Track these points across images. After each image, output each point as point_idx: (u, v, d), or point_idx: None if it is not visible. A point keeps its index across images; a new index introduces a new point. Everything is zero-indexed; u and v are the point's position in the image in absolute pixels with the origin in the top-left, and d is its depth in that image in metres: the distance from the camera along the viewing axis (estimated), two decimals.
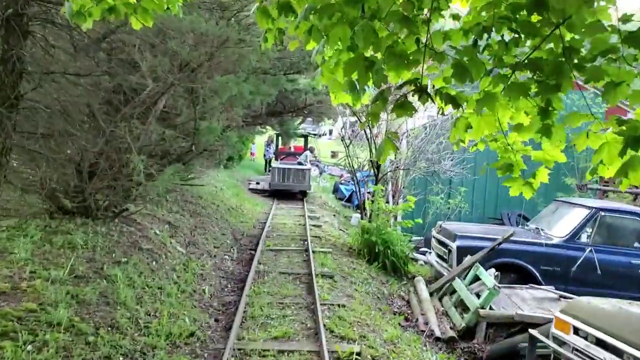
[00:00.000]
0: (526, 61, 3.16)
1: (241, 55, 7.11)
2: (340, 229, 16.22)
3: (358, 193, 12.99)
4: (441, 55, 3.42)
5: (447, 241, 10.89)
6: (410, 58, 3.46)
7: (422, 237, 14.37)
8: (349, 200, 24.75)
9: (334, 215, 18.55)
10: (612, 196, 16.44)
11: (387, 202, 13.24)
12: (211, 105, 7.43)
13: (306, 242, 11.62)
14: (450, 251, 10.71)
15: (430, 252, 12.24)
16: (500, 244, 9.69)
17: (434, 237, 11.69)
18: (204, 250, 9.71)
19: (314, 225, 14.35)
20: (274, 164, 20.22)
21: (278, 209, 17.24)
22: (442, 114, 4.58)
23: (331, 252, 11.04)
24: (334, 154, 44.31)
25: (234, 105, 7.87)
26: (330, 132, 58.46)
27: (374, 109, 4.02)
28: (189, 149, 8.28)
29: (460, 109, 4.31)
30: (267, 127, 13.80)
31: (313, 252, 10.83)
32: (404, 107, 3.85)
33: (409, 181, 12.30)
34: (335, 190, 26.74)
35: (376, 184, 11.68)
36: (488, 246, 10.12)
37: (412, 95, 3.94)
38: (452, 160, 12.86)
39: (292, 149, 24.72)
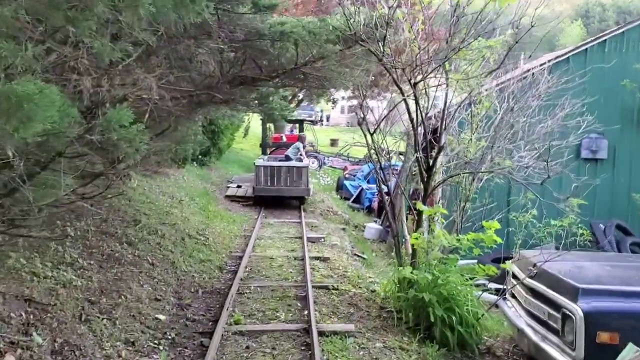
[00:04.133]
0: None
1: None
2: (356, 254, 11.11)
3: (388, 195, 7.77)
4: None
5: (557, 298, 5.88)
6: None
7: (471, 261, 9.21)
8: (357, 199, 19.65)
9: (344, 229, 13.43)
10: None
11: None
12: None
13: (307, 307, 6.52)
14: (566, 317, 5.67)
15: (507, 301, 7.17)
16: None
17: (524, 284, 6.62)
18: None
19: (317, 258, 9.22)
20: (259, 160, 14.98)
21: (264, 226, 12.05)
22: None
23: (353, 331, 5.97)
24: (333, 142, 39.18)
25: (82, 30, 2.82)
26: (328, 117, 53.12)
27: None
28: None
29: None
30: (238, 105, 8.57)
31: (321, 334, 5.75)
32: None
33: (476, 190, 7.17)
34: (340, 187, 21.67)
35: (424, 199, 6.52)
36: None
37: None
38: (532, 150, 7.68)
39: (284, 139, 19.55)
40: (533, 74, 8.20)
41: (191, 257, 8.26)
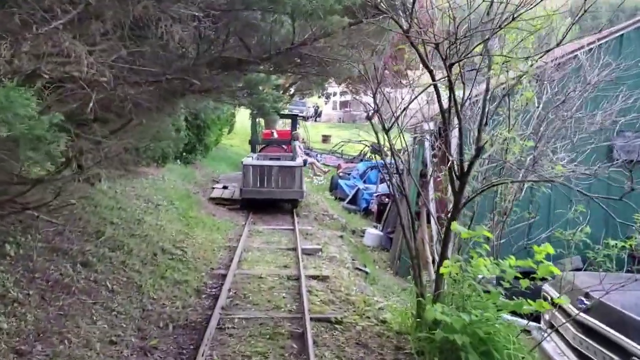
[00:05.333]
0: None
1: None
2: (358, 268, 9.72)
3: (404, 201, 6.18)
4: None
5: (625, 342, 4.64)
6: None
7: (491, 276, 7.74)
8: (353, 200, 18.27)
9: (341, 236, 12.03)
10: None
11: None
12: None
13: (305, 351, 5.12)
14: None
15: (543, 330, 5.82)
16: None
17: (576, 322, 5.27)
18: None
19: (315, 277, 7.81)
20: (247, 159, 13.48)
21: (252, 235, 10.59)
22: None
23: None
24: (325, 139, 37.67)
25: None
26: (320, 113, 51.58)
27: None
28: None
29: None
30: (223, 96, 7.12)
31: None
32: None
33: (518, 199, 5.80)
34: (334, 187, 20.29)
35: (455, 215, 5.10)
36: None
37: None
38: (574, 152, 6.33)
39: (275, 135, 18.05)
40: (576, 57, 6.85)
41: (163, 279, 6.80)
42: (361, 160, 24.69)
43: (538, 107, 6.35)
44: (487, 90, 4.88)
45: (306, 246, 9.61)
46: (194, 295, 6.72)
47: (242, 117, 24.77)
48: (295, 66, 6.63)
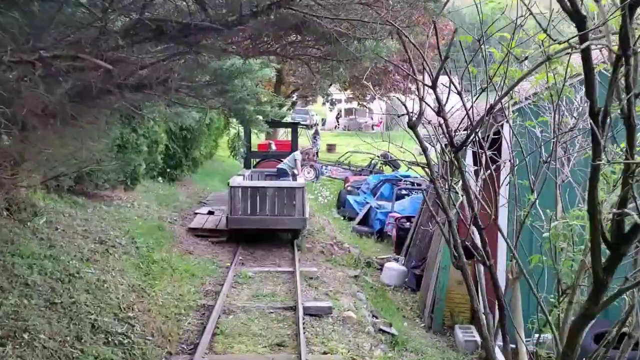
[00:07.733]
0: None
1: None
2: (381, 330, 7.14)
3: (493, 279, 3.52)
4: None
5: None
6: None
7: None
8: (365, 220, 15.66)
9: (356, 277, 9.45)
10: None
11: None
12: None
13: None
14: None
15: None
16: None
17: None
18: None
19: None
20: (235, 178, 10.79)
21: (239, 283, 7.94)
22: None
23: None
24: (330, 148, 35.10)
25: None
26: (324, 121, 48.99)
27: None
28: None
29: None
30: (184, 96, 4.61)
31: None
32: None
33: None
34: (342, 204, 17.71)
35: (593, 313, 2.48)
36: None
37: None
38: None
39: (272, 147, 15.42)
40: None
41: None
42: (371, 172, 22.19)
43: None
44: None
45: (311, 303, 6.98)
46: None
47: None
48: (289, 44, 4.04)
